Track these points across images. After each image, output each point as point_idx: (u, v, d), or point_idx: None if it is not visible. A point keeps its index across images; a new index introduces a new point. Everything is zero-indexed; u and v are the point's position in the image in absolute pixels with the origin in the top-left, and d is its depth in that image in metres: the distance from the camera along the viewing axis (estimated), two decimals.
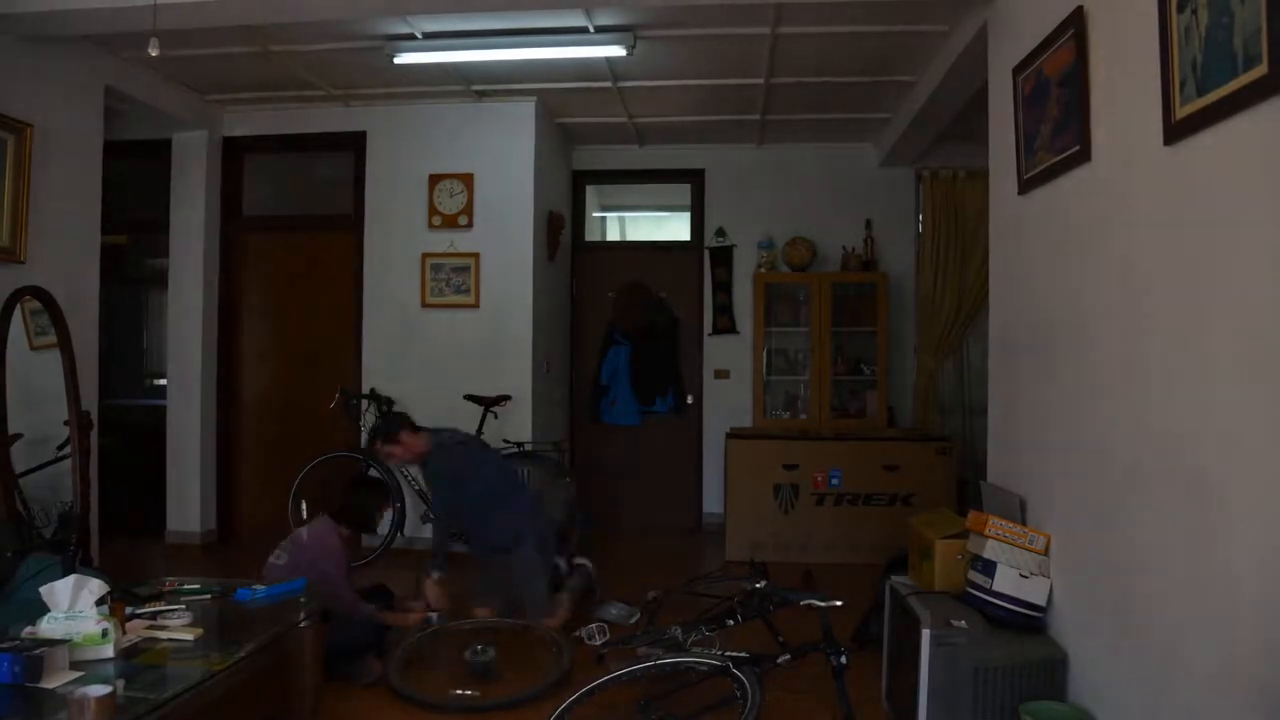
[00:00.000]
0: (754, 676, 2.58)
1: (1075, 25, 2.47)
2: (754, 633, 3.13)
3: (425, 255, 5.30)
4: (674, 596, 3.65)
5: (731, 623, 3.03)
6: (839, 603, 2.64)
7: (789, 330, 6.08)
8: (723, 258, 6.25)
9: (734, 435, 5.49)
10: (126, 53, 4.39)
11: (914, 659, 2.54)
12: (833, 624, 2.66)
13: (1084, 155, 2.44)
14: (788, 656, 2.75)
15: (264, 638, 2.43)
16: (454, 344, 5.29)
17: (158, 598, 2.68)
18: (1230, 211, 1.78)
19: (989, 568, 2.60)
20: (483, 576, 3.99)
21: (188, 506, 5.35)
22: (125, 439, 5.18)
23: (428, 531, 5.05)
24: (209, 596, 2.76)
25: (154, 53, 2.81)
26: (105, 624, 2.18)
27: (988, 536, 2.64)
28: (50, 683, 1.98)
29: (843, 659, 2.59)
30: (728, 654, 2.72)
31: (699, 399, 6.31)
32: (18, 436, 3.60)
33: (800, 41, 4.29)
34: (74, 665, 2.09)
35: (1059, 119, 2.61)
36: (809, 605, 2.68)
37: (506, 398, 5.09)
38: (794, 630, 2.99)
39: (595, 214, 6.83)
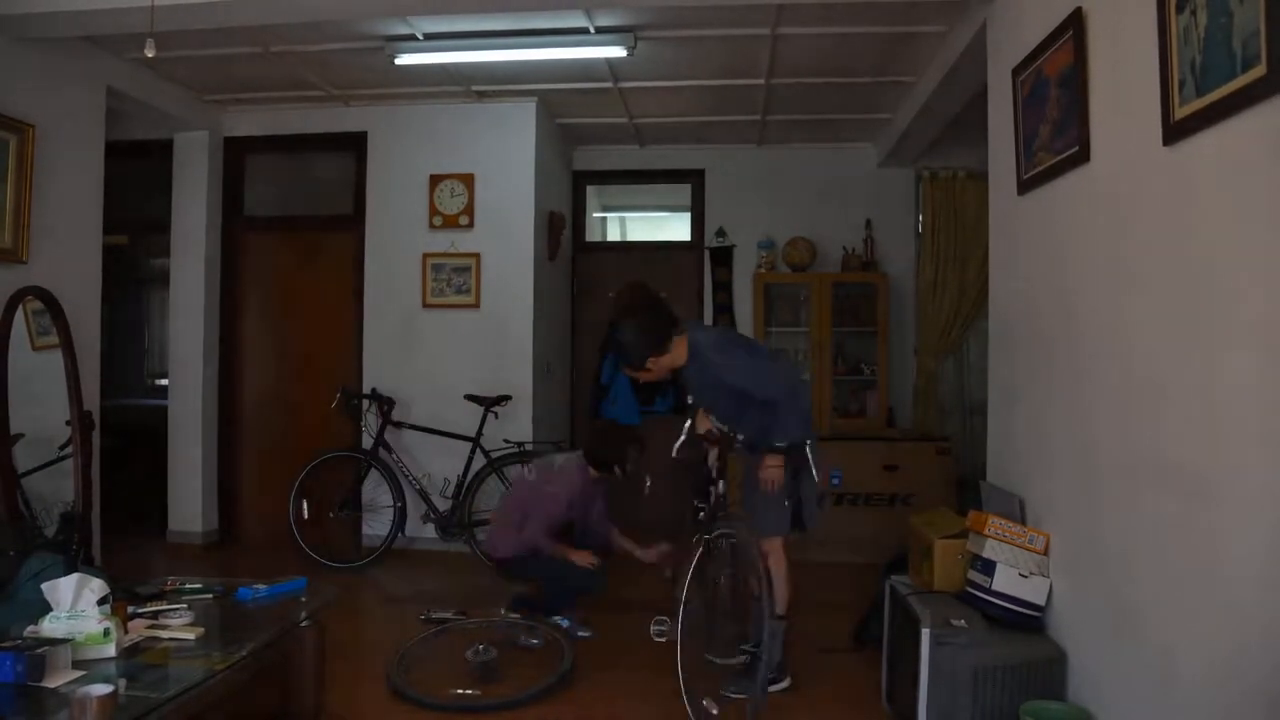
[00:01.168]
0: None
1: (1074, 26, 2.48)
2: None
3: (426, 255, 5.30)
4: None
5: None
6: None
7: (789, 330, 6.08)
8: (723, 258, 6.25)
9: None
10: (127, 53, 4.40)
11: (914, 659, 2.55)
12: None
13: (1083, 156, 2.44)
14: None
15: (265, 637, 2.43)
16: (454, 344, 5.30)
17: (159, 597, 2.68)
18: (1230, 212, 1.78)
19: (989, 567, 2.60)
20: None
21: (189, 506, 5.36)
22: (127, 439, 5.18)
23: (428, 531, 5.06)
24: (210, 596, 2.76)
25: (150, 53, 2.81)
26: (107, 623, 2.18)
27: (987, 536, 2.64)
28: (52, 682, 1.99)
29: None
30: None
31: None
32: (20, 436, 3.61)
33: (800, 41, 4.29)
34: (76, 664, 2.09)
35: (1058, 119, 2.62)
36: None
37: (507, 398, 5.09)
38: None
39: (596, 214, 6.83)
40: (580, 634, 3.71)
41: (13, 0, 3.54)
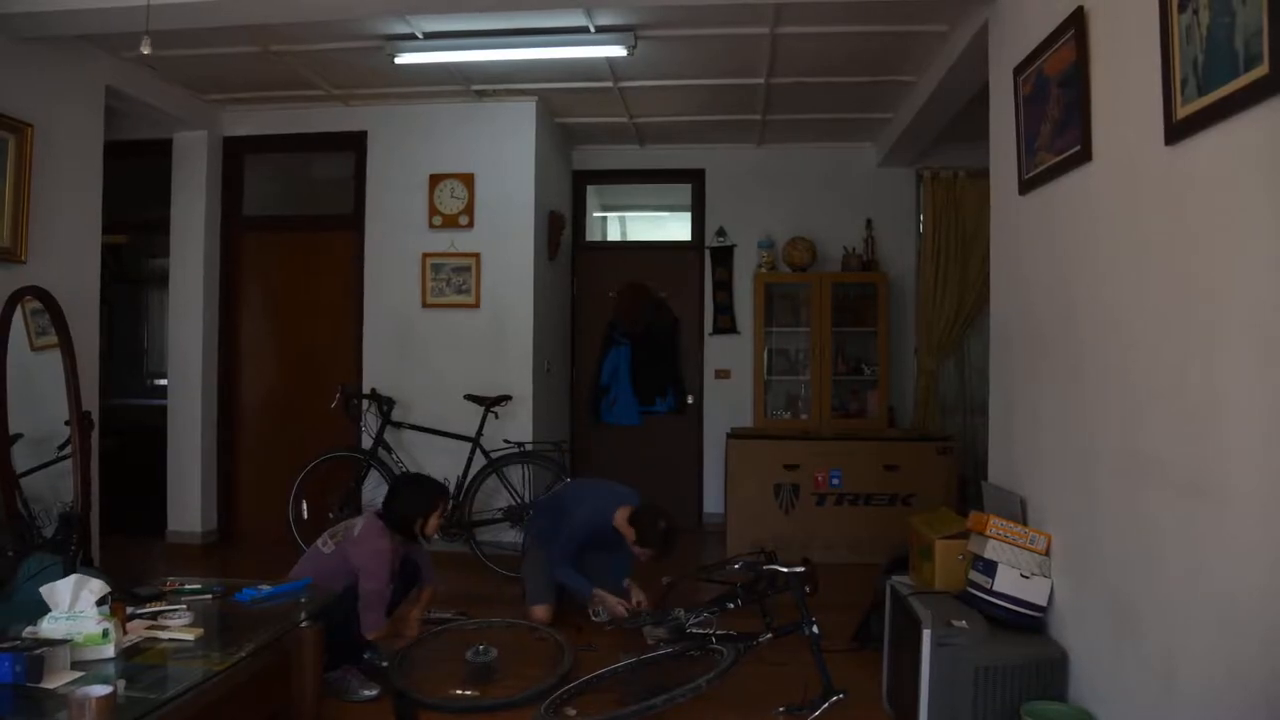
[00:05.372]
0: (734, 648, 2.95)
1: (1076, 25, 2.47)
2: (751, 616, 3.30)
3: (426, 255, 5.30)
4: (685, 582, 3.87)
5: (731, 606, 3.23)
6: (800, 569, 2.97)
7: (789, 330, 6.08)
8: (723, 258, 6.25)
9: (735, 435, 5.49)
10: (126, 53, 4.38)
11: (915, 659, 2.54)
12: (808, 598, 2.98)
13: (1085, 155, 2.44)
14: (769, 635, 3.04)
15: (264, 638, 2.43)
16: (454, 344, 5.29)
17: (158, 598, 2.68)
18: (1231, 211, 1.78)
19: (990, 568, 2.60)
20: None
21: (188, 506, 5.35)
22: (126, 439, 5.18)
23: None
24: (210, 597, 2.76)
25: (146, 51, 2.80)
26: (106, 624, 2.18)
27: (988, 536, 2.64)
28: (51, 683, 1.98)
29: (814, 629, 2.89)
30: (717, 632, 3.11)
31: (699, 399, 6.31)
32: (18, 436, 3.60)
33: (800, 41, 4.28)
34: (75, 665, 2.09)
35: (1060, 119, 2.61)
36: (773, 570, 3.02)
37: (507, 398, 5.09)
38: (789, 615, 3.12)
39: (596, 214, 6.83)
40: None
41: (12, 0, 3.53)
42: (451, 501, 4.94)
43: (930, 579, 2.87)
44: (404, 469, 5.01)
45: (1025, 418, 2.98)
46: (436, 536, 3.47)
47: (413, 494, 3.39)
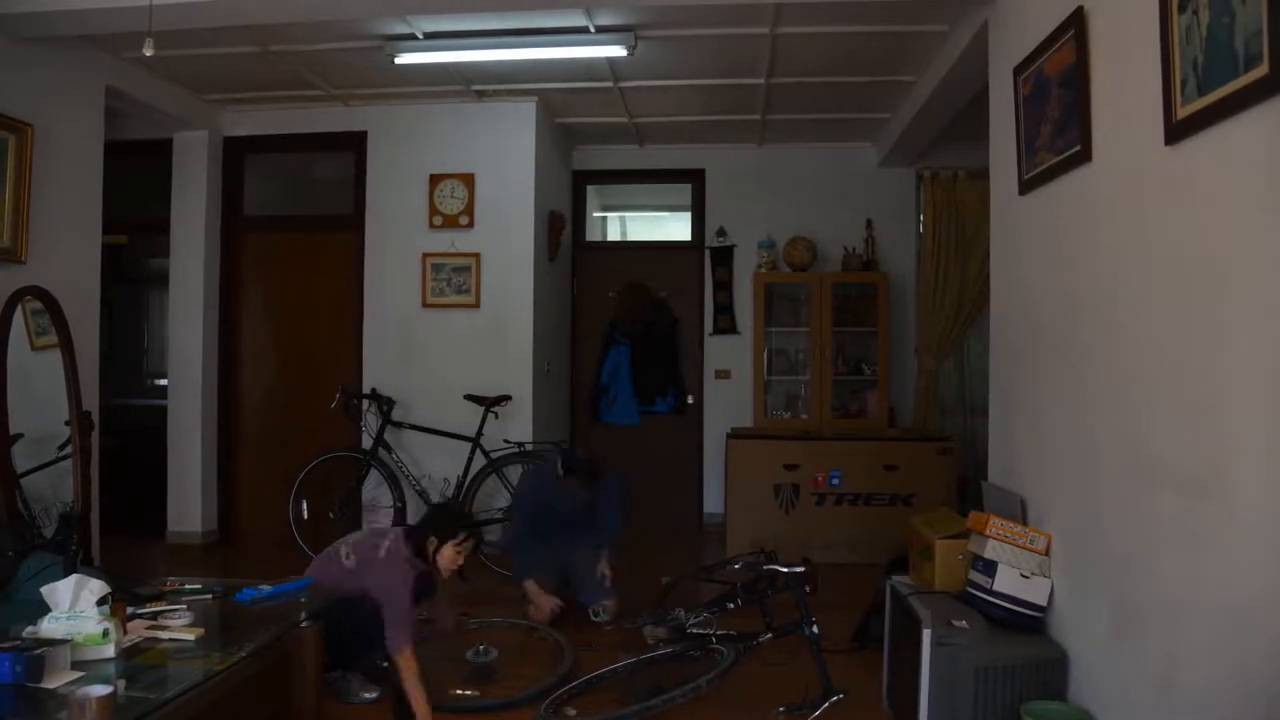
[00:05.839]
0: (734, 648, 2.97)
1: (1076, 25, 2.48)
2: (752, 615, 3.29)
3: (426, 255, 5.30)
4: (685, 582, 3.84)
5: (731, 606, 3.24)
6: (800, 569, 2.97)
7: (789, 330, 6.08)
8: (723, 258, 6.25)
9: (735, 435, 5.49)
10: (127, 53, 4.39)
11: (915, 659, 2.54)
12: (808, 598, 2.98)
13: (1085, 155, 2.44)
14: (769, 635, 3.06)
15: (265, 638, 2.43)
16: (454, 344, 5.29)
17: (159, 598, 2.68)
18: (1232, 211, 1.78)
19: (990, 568, 2.60)
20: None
21: (188, 506, 5.36)
22: (126, 439, 5.18)
23: None
24: (210, 597, 2.76)
25: (149, 52, 2.81)
26: (106, 624, 2.18)
27: (988, 536, 2.64)
28: (51, 683, 1.98)
29: (814, 629, 2.89)
30: (717, 632, 3.14)
31: (699, 399, 6.32)
32: (19, 436, 3.60)
33: (800, 41, 4.29)
34: (75, 665, 2.09)
35: (1059, 119, 2.61)
36: (773, 570, 3.03)
37: (507, 398, 5.09)
38: (789, 615, 3.11)
39: (596, 214, 6.83)
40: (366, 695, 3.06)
41: (12, 0, 3.53)
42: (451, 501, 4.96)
43: (930, 579, 2.87)
44: (404, 469, 5.02)
45: (1025, 418, 2.98)
46: (454, 571, 3.09)
47: (438, 518, 3.20)
